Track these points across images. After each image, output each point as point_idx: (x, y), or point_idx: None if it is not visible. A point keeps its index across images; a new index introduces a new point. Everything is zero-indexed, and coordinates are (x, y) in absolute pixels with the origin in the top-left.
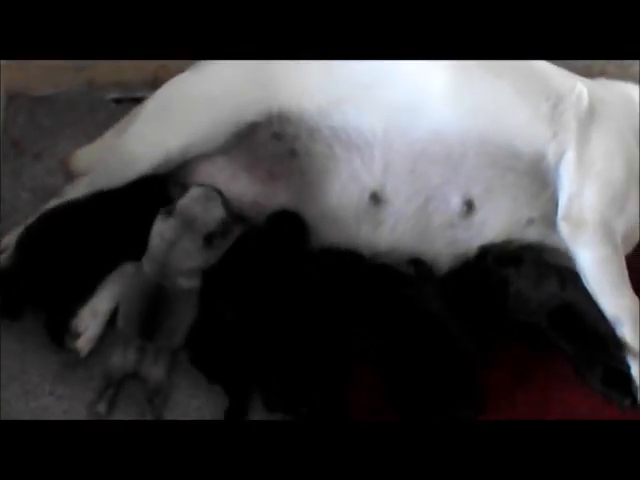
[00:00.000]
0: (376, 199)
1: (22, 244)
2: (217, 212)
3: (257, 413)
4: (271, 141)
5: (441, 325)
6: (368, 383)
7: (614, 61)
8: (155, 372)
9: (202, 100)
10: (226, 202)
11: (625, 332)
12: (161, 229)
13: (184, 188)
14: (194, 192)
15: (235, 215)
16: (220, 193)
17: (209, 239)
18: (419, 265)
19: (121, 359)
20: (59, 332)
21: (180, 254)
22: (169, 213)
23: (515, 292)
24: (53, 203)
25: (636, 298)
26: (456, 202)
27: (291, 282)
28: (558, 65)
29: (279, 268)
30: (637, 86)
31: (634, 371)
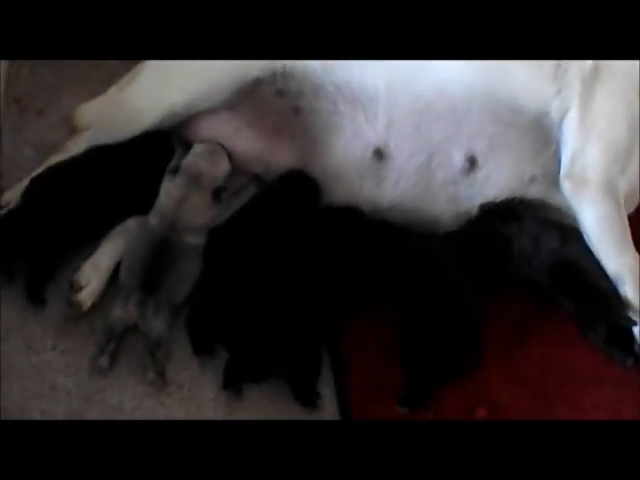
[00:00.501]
0: (379, 155)
1: (27, 196)
2: (223, 166)
3: (257, 413)
4: (275, 97)
5: (446, 279)
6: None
7: None
8: (156, 326)
9: None
10: (230, 157)
11: (627, 290)
12: (168, 187)
13: (189, 144)
14: (197, 148)
15: (249, 174)
16: (223, 147)
17: (217, 194)
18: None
19: (122, 312)
20: (39, 287)
21: (189, 211)
22: (175, 171)
23: (518, 250)
24: (55, 159)
25: (638, 256)
26: (459, 158)
27: (299, 241)
28: None
29: (289, 228)
30: None
31: (637, 330)
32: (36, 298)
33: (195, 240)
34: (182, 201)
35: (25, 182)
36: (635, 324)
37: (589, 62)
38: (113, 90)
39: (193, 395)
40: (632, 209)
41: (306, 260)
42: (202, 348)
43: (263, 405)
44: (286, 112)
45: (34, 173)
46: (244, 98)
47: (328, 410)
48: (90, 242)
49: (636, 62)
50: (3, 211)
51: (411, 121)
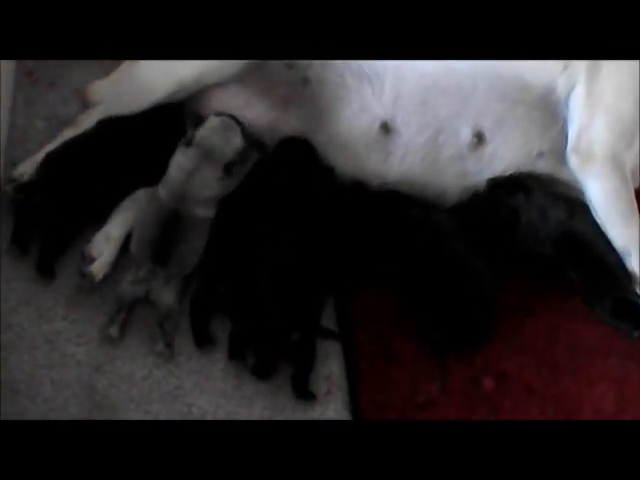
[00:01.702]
0: (386, 129)
1: (43, 170)
2: (236, 141)
3: (257, 413)
4: (284, 69)
5: (457, 253)
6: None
7: None
8: (165, 297)
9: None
10: (244, 129)
11: (634, 263)
12: (180, 159)
13: (199, 117)
14: (212, 122)
15: (253, 141)
16: (237, 121)
17: (228, 169)
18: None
19: (132, 283)
20: (51, 261)
21: (199, 184)
22: (188, 143)
23: (525, 222)
24: (68, 132)
25: None
26: (466, 134)
27: (303, 207)
28: None
29: (289, 193)
30: None
31: None
32: (46, 270)
33: (204, 212)
34: (192, 174)
35: (38, 155)
36: (638, 300)
37: None
38: (126, 65)
39: (202, 366)
40: (639, 184)
41: (312, 231)
42: (203, 340)
43: (272, 380)
44: (295, 83)
45: (46, 146)
46: (254, 70)
47: (336, 382)
48: (103, 214)
49: None
50: (16, 183)
51: (418, 97)
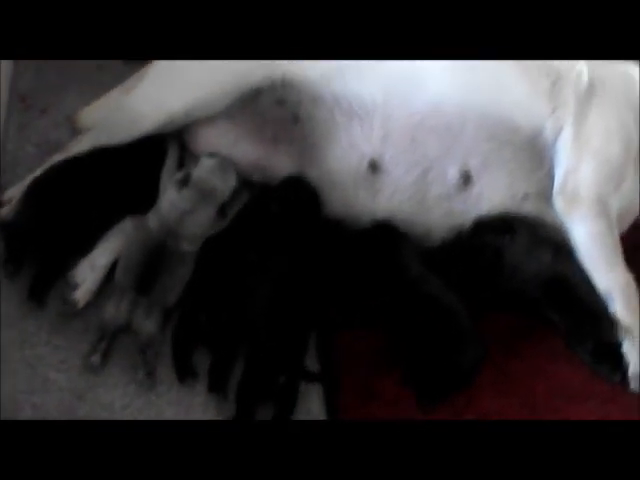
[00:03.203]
0: (374, 167)
1: (29, 196)
2: (232, 182)
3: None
4: (274, 106)
5: (421, 287)
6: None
7: None
8: (146, 326)
9: (207, 63)
10: (235, 169)
11: (617, 307)
12: (175, 198)
13: (187, 151)
14: (208, 163)
15: (244, 181)
16: (230, 162)
17: (223, 210)
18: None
19: (115, 311)
20: (43, 290)
21: (193, 223)
22: (184, 183)
23: (509, 263)
24: (57, 157)
25: (629, 274)
26: (453, 174)
27: (297, 248)
28: None
29: (288, 235)
30: (637, 66)
31: (625, 347)
32: (37, 297)
33: (191, 247)
34: (187, 213)
35: (27, 180)
36: (622, 342)
37: (584, 81)
38: (116, 92)
39: (182, 397)
40: (625, 228)
41: (301, 269)
42: (185, 373)
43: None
44: (285, 120)
45: (36, 171)
46: (244, 106)
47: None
48: (91, 242)
49: (630, 81)
50: (6, 208)
51: (406, 135)
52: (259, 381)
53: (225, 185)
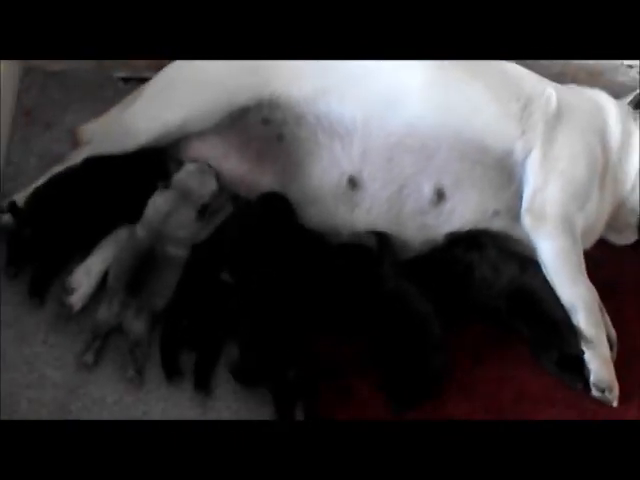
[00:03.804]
0: (353, 183)
1: (30, 205)
2: (211, 185)
3: (229, 413)
4: (260, 125)
5: (400, 297)
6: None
7: (586, 69)
8: (136, 326)
9: (199, 82)
10: (218, 176)
11: (580, 319)
12: (158, 201)
13: (180, 163)
14: (189, 167)
15: (228, 193)
16: (212, 168)
17: (202, 211)
18: (381, 237)
19: (107, 313)
20: (41, 288)
21: (175, 224)
22: (166, 186)
23: (479, 277)
24: (58, 168)
25: (592, 288)
26: (427, 191)
27: (276, 256)
28: (534, 70)
29: (266, 244)
30: (604, 93)
31: (587, 356)
32: (37, 296)
33: (177, 252)
34: (169, 214)
35: (29, 189)
36: (584, 353)
37: (552, 106)
38: (116, 110)
39: (171, 394)
40: (589, 245)
41: (283, 279)
42: (172, 373)
43: (235, 407)
44: (270, 139)
45: (38, 181)
46: (232, 124)
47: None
48: (87, 247)
49: (595, 107)
50: (8, 215)
51: (384, 154)
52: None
53: (204, 187)
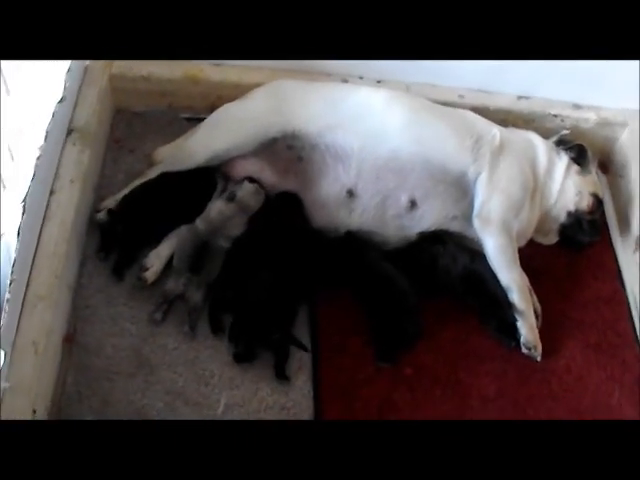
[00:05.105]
0: (351, 194)
1: (120, 208)
2: (261, 201)
3: (249, 377)
4: (286, 150)
5: (385, 276)
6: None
7: (522, 117)
8: (195, 296)
9: (241, 120)
10: (266, 195)
11: (514, 297)
12: (222, 208)
13: (226, 178)
14: (249, 188)
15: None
16: (263, 189)
17: (252, 219)
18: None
19: (174, 285)
20: (122, 269)
21: (231, 226)
22: (231, 199)
23: (441, 265)
24: (138, 181)
25: (523, 274)
26: (404, 200)
27: (286, 243)
28: (485, 117)
29: (279, 233)
30: (535, 134)
31: (519, 324)
32: (119, 273)
33: (225, 244)
34: (229, 219)
35: (117, 195)
36: (517, 321)
37: (497, 141)
38: (180, 140)
39: (214, 344)
40: (522, 244)
41: (293, 260)
42: (216, 329)
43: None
44: (292, 160)
45: (124, 191)
46: (265, 149)
47: (305, 362)
48: (157, 240)
49: (529, 144)
50: (102, 213)
51: (373, 173)
52: (259, 335)
53: (257, 203)
